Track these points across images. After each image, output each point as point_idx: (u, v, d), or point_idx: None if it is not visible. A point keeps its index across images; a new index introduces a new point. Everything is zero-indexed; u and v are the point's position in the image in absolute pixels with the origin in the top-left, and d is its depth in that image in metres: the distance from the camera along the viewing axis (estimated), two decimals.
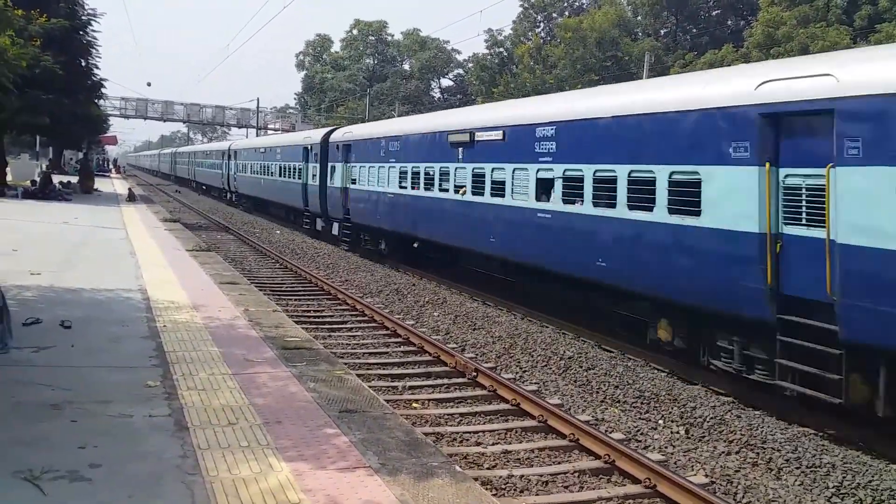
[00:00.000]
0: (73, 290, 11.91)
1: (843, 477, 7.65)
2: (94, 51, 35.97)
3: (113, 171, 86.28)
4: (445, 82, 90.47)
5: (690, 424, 9.21)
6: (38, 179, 36.51)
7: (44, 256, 15.37)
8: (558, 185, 13.60)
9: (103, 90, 41.14)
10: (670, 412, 9.60)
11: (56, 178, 38.02)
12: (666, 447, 8.47)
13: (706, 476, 7.62)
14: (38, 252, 16.10)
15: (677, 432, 9.01)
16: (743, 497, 7.24)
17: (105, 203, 34.28)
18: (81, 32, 34.55)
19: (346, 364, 9.54)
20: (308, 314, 14.63)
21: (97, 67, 37.36)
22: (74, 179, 41.66)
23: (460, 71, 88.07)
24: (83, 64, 35.53)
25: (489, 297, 16.86)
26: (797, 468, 7.92)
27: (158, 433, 5.99)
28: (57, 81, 29.44)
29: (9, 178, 37.94)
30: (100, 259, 16.07)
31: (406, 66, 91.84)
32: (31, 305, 10.43)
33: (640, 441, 8.65)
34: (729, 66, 34.86)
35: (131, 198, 37.45)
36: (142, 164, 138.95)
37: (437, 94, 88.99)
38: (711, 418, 9.27)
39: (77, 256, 16.12)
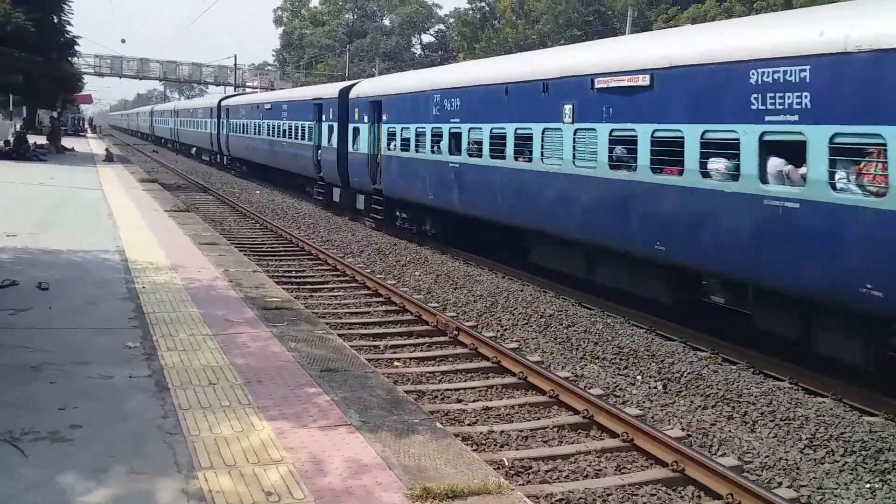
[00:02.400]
0: (50, 251, 11.80)
1: (816, 429, 7.82)
2: (66, 7, 35.09)
3: (88, 130, 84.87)
4: (427, 38, 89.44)
5: (668, 380, 9.35)
6: (11, 140, 35.86)
7: (19, 218, 15.18)
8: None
9: (77, 48, 40.21)
10: (648, 368, 9.74)
11: (31, 139, 37.35)
12: (644, 402, 8.61)
13: (682, 430, 7.77)
14: (14, 213, 15.91)
15: (655, 387, 9.15)
16: (718, 449, 7.39)
17: (81, 163, 33.79)
18: None
19: (327, 324, 9.57)
20: (289, 275, 14.61)
21: (70, 24, 36.49)
22: (43, 140, 40.92)
23: (442, 26, 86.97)
24: (56, 21, 34.69)
25: (471, 258, 16.89)
26: (771, 421, 8.08)
27: (139, 394, 6.00)
28: (29, 39, 28.76)
29: None
30: (77, 220, 15.90)
31: (386, 22, 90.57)
32: (8, 267, 10.32)
33: (618, 396, 8.78)
34: (712, 20, 34.64)
35: (109, 158, 36.93)
36: (122, 124, 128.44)
37: (417, 50, 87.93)
38: (689, 373, 9.42)
39: (53, 218, 15.94)
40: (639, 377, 9.50)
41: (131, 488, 4.47)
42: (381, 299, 12.89)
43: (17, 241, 12.38)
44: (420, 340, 10.65)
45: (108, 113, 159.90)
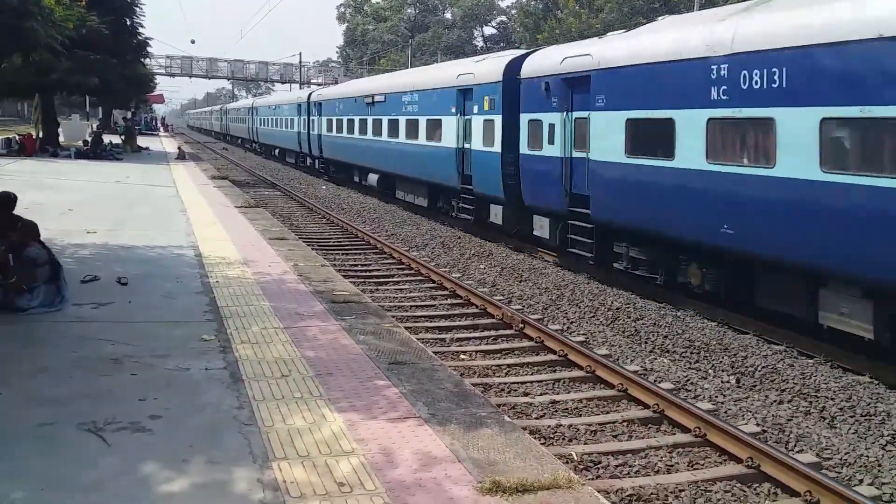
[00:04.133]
0: (128, 247, 12.21)
1: None
2: (138, 9, 36.17)
3: (161, 129, 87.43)
4: (489, 30, 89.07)
5: (741, 374, 9.12)
6: (89, 139, 37.21)
7: (98, 215, 15.76)
8: None
9: (149, 49, 41.43)
10: (721, 361, 9.52)
11: (106, 138, 38.69)
12: (716, 396, 8.42)
13: (757, 425, 7.57)
14: (93, 211, 16.51)
15: (728, 381, 8.94)
16: (795, 446, 7.18)
17: (155, 161, 34.84)
18: None
19: (394, 317, 9.65)
20: (355, 268, 14.78)
21: (142, 26, 37.58)
22: (118, 139, 42.22)
23: (503, 18, 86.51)
24: (128, 23, 35.76)
25: (534, 250, 16.79)
26: (851, 416, 7.81)
27: (215, 385, 6.16)
28: (104, 41, 29.68)
29: (61, 138, 38.78)
30: (152, 217, 16.41)
31: (448, 15, 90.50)
32: (89, 263, 10.73)
33: (689, 391, 8.61)
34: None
35: (181, 156, 37.99)
36: (198, 123, 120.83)
37: (479, 43, 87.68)
38: (763, 367, 9.17)
39: (130, 214, 16.48)
40: (710, 371, 9.30)
41: (209, 477, 4.60)
42: (446, 292, 12.93)
43: (97, 238, 12.85)
44: (486, 333, 10.65)
45: (189, 111, 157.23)
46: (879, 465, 6.80)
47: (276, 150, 49.33)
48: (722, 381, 8.94)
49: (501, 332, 10.71)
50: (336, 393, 6.06)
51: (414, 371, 6.73)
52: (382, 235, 18.67)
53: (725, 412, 7.94)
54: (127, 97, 44.41)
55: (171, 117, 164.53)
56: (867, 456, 6.97)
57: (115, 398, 5.80)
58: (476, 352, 9.85)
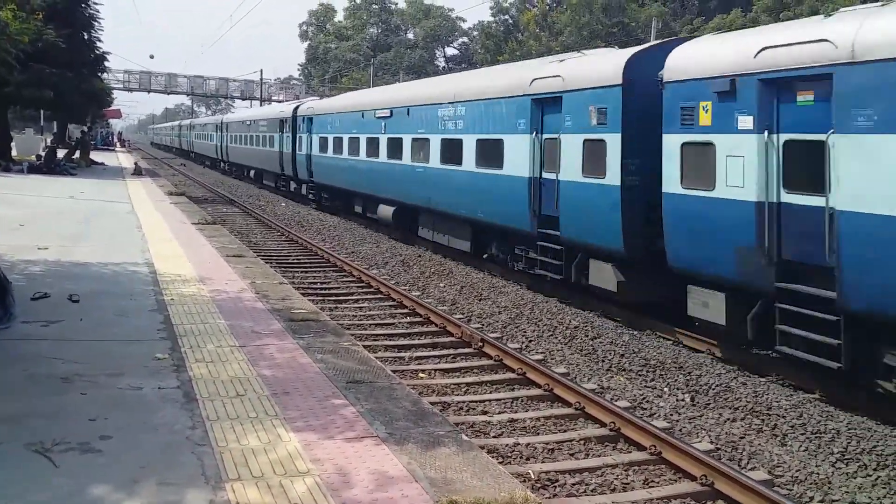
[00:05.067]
0: (81, 264, 11.97)
1: (848, 442, 7.69)
2: (96, 24, 35.76)
3: (118, 144, 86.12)
4: (450, 51, 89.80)
5: (696, 392, 9.25)
6: (42, 154, 36.50)
7: (51, 231, 15.43)
8: None
9: (106, 63, 40.94)
10: (676, 380, 9.65)
11: (61, 153, 38.00)
12: (671, 415, 8.52)
13: (711, 443, 7.68)
14: (45, 227, 16.17)
15: (683, 400, 9.06)
16: (748, 463, 7.29)
17: (110, 177, 34.28)
18: (84, 5, 34.34)
19: (352, 335, 9.59)
20: (314, 286, 14.69)
21: (100, 41, 37.17)
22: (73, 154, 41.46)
23: (465, 39, 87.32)
24: (86, 37, 35.34)
25: (494, 268, 16.86)
26: (802, 434, 7.97)
27: (168, 405, 6.05)
28: (60, 55, 29.31)
29: (14, 153, 37.97)
30: (106, 233, 16.12)
31: (410, 36, 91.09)
32: (39, 280, 10.49)
33: (645, 409, 8.71)
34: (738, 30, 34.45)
35: (137, 172, 37.44)
36: (162, 140, 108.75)
37: (441, 63, 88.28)
38: (717, 385, 9.32)
39: (84, 231, 16.17)
40: (666, 389, 9.41)
41: (160, 499, 4.51)
42: (405, 311, 12.91)
43: (49, 254, 12.58)
44: (445, 352, 10.65)
45: (154, 127, 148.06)
46: (829, 482, 6.95)
47: (251, 172, 43.34)
48: (677, 400, 9.06)
49: (461, 350, 10.72)
50: (292, 412, 5.99)
51: (372, 390, 6.70)
52: (342, 253, 18.60)
53: (680, 430, 8.04)
54: (83, 111, 43.67)
55: (129, 132, 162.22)
56: (818, 473, 7.12)
57: (64, 418, 5.66)
58: (435, 370, 9.84)
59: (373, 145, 22.71)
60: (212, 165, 57.55)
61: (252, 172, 42.99)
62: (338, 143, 26.16)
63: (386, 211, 21.77)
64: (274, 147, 35.23)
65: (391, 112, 21.49)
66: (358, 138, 24.05)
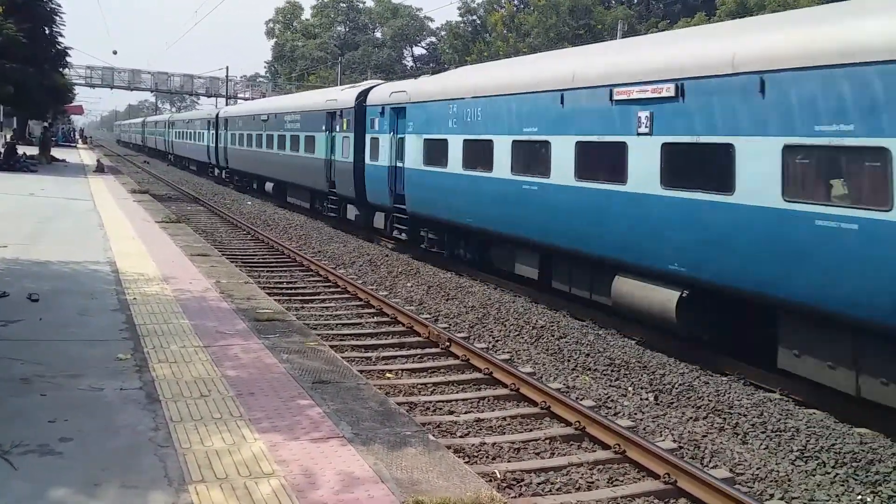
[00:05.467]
0: (41, 262, 11.75)
1: (808, 440, 7.84)
2: (58, 18, 35.15)
3: (80, 141, 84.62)
4: (418, 51, 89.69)
5: (659, 391, 9.36)
6: (2, 150, 35.74)
7: (10, 229, 15.11)
8: None
9: (68, 59, 40.24)
10: (640, 379, 9.75)
11: (21, 149, 37.24)
12: (635, 413, 8.61)
13: (674, 441, 7.77)
14: (4, 224, 15.83)
15: (647, 399, 9.16)
16: (710, 461, 7.40)
17: (72, 174, 33.68)
18: (45, 0, 33.71)
19: (319, 335, 9.55)
20: (280, 286, 14.58)
21: (62, 35, 36.56)
22: (32, 150, 40.72)
23: (433, 39, 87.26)
24: (47, 32, 34.71)
25: (462, 269, 16.90)
26: (762, 432, 8.10)
27: (130, 406, 5.97)
28: (21, 50, 28.75)
29: None
30: (68, 231, 15.84)
31: (378, 34, 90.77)
32: None
33: (610, 408, 8.79)
34: None
35: (100, 169, 36.83)
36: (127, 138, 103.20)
37: (409, 62, 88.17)
38: (680, 385, 9.44)
39: (44, 229, 15.87)
40: (630, 388, 9.51)
41: (122, 502, 4.45)
42: (372, 310, 12.88)
43: (8, 253, 12.32)
44: (412, 352, 10.64)
45: (120, 123, 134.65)
46: (789, 480, 7.07)
47: (189, 162, 51.89)
48: (641, 399, 9.16)
49: (427, 350, 10.72)
50: (257, 413, 5.95)
51: (338, 390, 6.67)
52: (309, 252, 18.48)
53: (644, 429, 8.13)
54: (44, 107, 42.86)
55: (91, 129, 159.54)
56: (778, 471, 7.24)
57: (23, 420, 5.55)
58: (402, 370, 9.83)
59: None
60: (199, 171, 47.88)
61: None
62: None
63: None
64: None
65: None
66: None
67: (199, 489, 4.63)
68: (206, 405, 6.06)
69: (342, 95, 23.30)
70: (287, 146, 28.02)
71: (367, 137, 20.78)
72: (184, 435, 5.43)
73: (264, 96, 74.57)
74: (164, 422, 5.66)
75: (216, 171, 41.62)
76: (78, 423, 5.54)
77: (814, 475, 7.21)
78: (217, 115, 40.73)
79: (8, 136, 44.97)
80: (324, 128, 23.85)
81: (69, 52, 38.41)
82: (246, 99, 77.16)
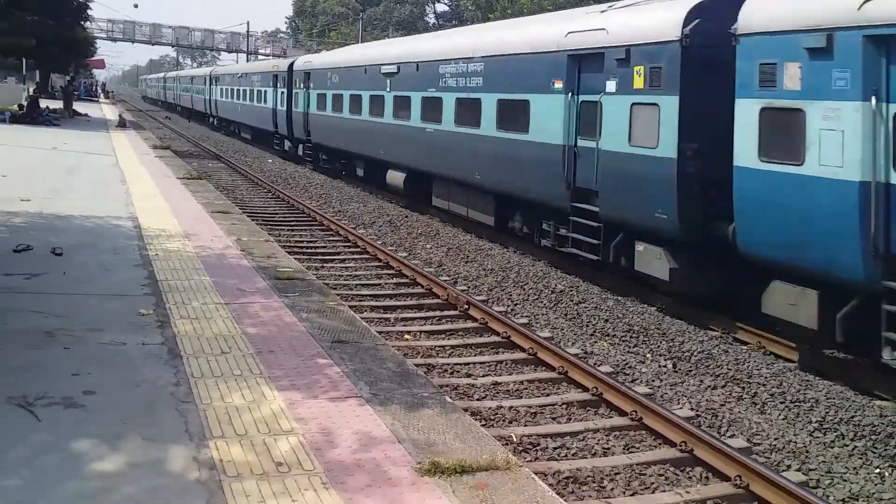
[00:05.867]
0: (64, 216, 11.84)
1: (827, 412, 7.80)
2: None
3: (102, 95, 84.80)
4: (441, 7, 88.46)
5: (678, 358, 9.33)
6: (25, 104, 35.87)
7: (33, 182, 15.23)
8: None
9: (89, 12, 40.07)
10: (658, 346, 9.72)
11: (43, 103, 37.37)
12: (653, 381, 8.60)
13: (692, 409, 7.76)
14: (28, 178, 15.96)
15: (665, 366, 9.14)
16: (727, 430, 7.38)
17: (94, 128, 33.80)
18: None
19: (338, 295, 9.57)
20: (300, 245, 14.62)
21: None
22: (57, 104, 40.84)
23: None
24: None
25: (482, 231, 16.84)
26: (781, 402, 8.06)
27: (152, 361, 6.03)
28: (42, 3, 28.66)
29: None
30: (90, 186, 15.93)
31: None
32: (22, 232, 10.37)
33: (627, 374, 8.77)
34: None
35: (121, 124, 36.92)
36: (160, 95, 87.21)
37: (431, 19, 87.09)
38: (699, 353, 9.40)
39: (67, 183, 15.97)
40: (648, 355, 9.49)
41: (143, 455, 4.51)
42: (392, 271, 12.89)
43: (31, 206, 12.43)
44: (430, 314, 10.65)
45: (146, 77, 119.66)
46: (807, 451, 7.05)
47: (238, 128, 42.76)
48: (659, 366, 9.13)
49: (446, 312, 10.73)
50: (277, 371, 5.99)
51: (357, 350, 6.70)
52: (329, 212, 18.49)
53: (662, 396, 8.12)
54: (65, 61, 42.93)
55: (113, 83, 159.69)
56: (795, 442, 7.21)
57: (46, 372, 5.63)
58: (420, 332, 9.85)
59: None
60: (258, 140, 38.84)
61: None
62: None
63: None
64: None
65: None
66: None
67: (220, 444, 4.68)
68: (227, 362, 6.11)
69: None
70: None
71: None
72: (204, 391, 5.49)
73: (285, 52, 74.06)
74: (185, 377, 5.72)
75: (285, 143, 32.48)
76: (101, 377, 5.61)
77: (832, 447, 7.18)
78: (291, 67, 30.69)
79: (31, 90, 45.13)
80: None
81: (90, 5, 38.23)
82: (266, 55, 76.63)
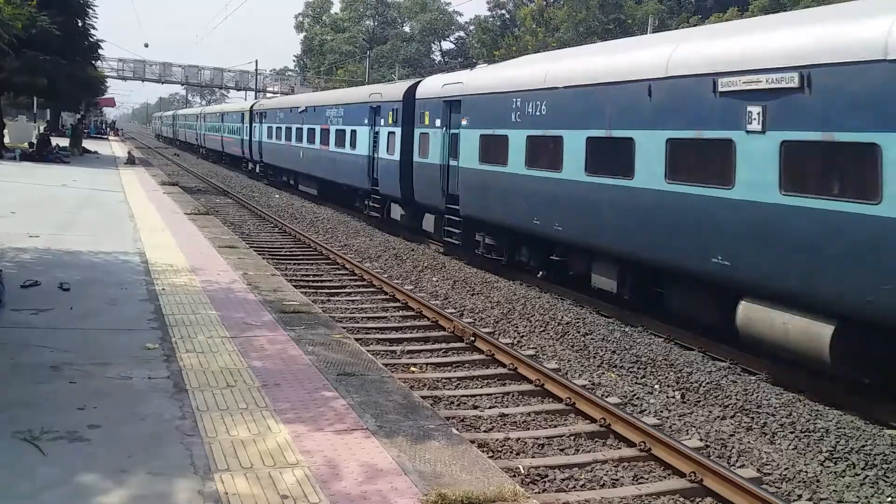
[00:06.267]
0: (72, 252, 11.91)
1: (837, 441, 7.72)
2: (91, 11, 35.47)
3: (111, 133, 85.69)
4: (446, 45, 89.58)
5: (686, 389, 9.27)
6: (35, 141, 36.29)
7: (42, 219, 15.35)
8: None
9: (100, 51, 40.65)
10: (666, 377, 9.66)
11: (54, 140, 37.79)
12: (661, 411, 8.54)
13: (701, 440, 7.69)
14: (37, 214, 16.08)
15: (673, 397, 9.08)
16: (737, 461, 7.31)
17: (103, 165, 34.13)
18: None
19: (344, 328, 9.58)
20: (307, 278, 14.65)
21: (94, 28, 36.84)
22: (65, 142, 41.27)
23: (462, 33, 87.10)
24: (80, 24, 35.04)
25: (487, 264, 16.85)
26: (791, 432, 7.99)
27: (157, 395, 6.03)
28: (54, 42, 29.03)
29: (6, 139, 37.73)
30: (98, 222, 16.05)
31: (407, 29, 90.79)
32: (30, 268, 10.43)
33: (635, 405, 8.72)
34: None
35: (130, 161, 37.27)
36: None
37: (437, 57, 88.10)
38: (707, 383, 9.33)
39: (75, 219, 16.09)
40: (657, 386, 9.43)
41: (149, 489, 4.49)
42: (398, 304, 12.89)
43: (40, 242, 12.51)
44: (437, 346, 10.64)
45: (162, 114, 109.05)
46: (818, 481, 6.97)
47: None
48: (667, 397, 9.07)
49: (452, 344, 10.71)
50: (282, 404, 5.98)
51: (363, 383, 6.68)
52: (335, 246, 18.55)
53: (670, 427, 8.05)
54: (76, 99, 43.42)
55: (123, 121, 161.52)
56: (806, 471, 7.14)
57: (52, 406, 5.63)
58: (426, 364, 9.83)
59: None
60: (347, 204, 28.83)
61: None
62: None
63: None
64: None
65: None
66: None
67: (225, 478, 4.66)
68: (233, 395, 6.10)
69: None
70: None
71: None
72: (210, 424, 5.47)
73: (293, 90, 74.85)
74: (191, 411, 5.71)
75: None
76: (106, 411, 5.60)
77: (843, 476, 7.10)
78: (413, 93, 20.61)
79: (41, 128, 45.68)
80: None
81: (101, 44, 38.79)
82: (275, 93, 77.47)
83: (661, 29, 47.05)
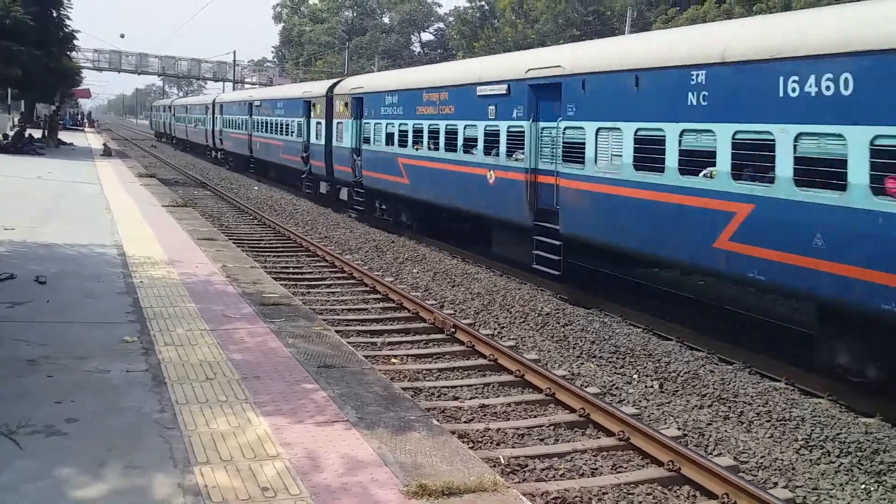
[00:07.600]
0: (48, 245, 11.79)
1: (812, 430, 7.83)
2: (65, 1, 35.08)
3: (87, 125, 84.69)
4: (426, 36, 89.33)
5: (664, 379, 9.36)
6: (10, 133, 35.80)
7: (17, 211, 15.16)
8: None
9: (76, 42, 40.21)
10: (645, 367, 9.74)
11: (29, 132, 37.29)
12: (640, 401, 8.61)
13: (679, 429, 7.77)
14: (11, 207, 15.88)
15: (651, 386, 9.15)
16: (714, 449, 7.39)
17: (79, 157, 33.74)
18: None
19: (324, 320, 9.56)
20: (286, 270, 14.59)
21: (69, 19, 36.56)
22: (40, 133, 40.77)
23: (441, 25, 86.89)
24: (55, 15, 34.68)
25: (468, 255, 16.87)
26: (767, 421, 8.09)
27: (136, 388, 6.00)
28: (28, 33, 28.76)
29: None
30: (75, 214, 15.88)
31: (386, 20, 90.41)
32: (5, 261, 10.31)
33: (614, 395, 8.79)
34: (712, 21, 34.48)
35: (107, 153, 36.88)
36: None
37: (417, 48, 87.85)
38: (685, 373, 9.42)
39: (51, 212, 15.92)
40: (635, 376, 9.51)
41: (128, 483, 4.47)
42: (378, 296, 12.88)
43: (15, 235, 12.37)
44: (417, 338, 10.65)
45: (157, 103, 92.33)
46: (793, 468, 7.07)
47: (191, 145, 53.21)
48: (646, 386, 9.15)
49: (433, 336, 10.73)
50: (262, 396, 5.97)
51: (343, 375, 6.69)
52: (315, 238, 18.49)
53: (649, 416, 8.13)
54: (51, 90, 42.90)
55: (98, 113, 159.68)
56: (782, 459, 7.24)
57: (30, 400, 5.58)
58: (407, 356, 9.84)
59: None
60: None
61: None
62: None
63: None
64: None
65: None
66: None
67: (205, 471, 4.65)
68: (212, 388, 6.08)
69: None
70: None
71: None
72: (189, 417, 5.45)
73: (272, 81, 74.36)
74: (170, 404, 5.69)
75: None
76: (84, 405, 5.56)
77: (818, 464, 7.20)
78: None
79: (16, 119, 45.06)
80: None
81: (76, 35, 38.36)
82: (253, 84, 76.92)
83: (640, 21, 47.21)
